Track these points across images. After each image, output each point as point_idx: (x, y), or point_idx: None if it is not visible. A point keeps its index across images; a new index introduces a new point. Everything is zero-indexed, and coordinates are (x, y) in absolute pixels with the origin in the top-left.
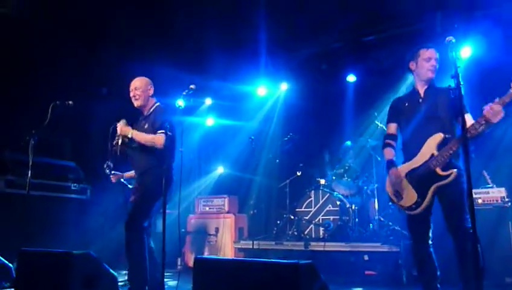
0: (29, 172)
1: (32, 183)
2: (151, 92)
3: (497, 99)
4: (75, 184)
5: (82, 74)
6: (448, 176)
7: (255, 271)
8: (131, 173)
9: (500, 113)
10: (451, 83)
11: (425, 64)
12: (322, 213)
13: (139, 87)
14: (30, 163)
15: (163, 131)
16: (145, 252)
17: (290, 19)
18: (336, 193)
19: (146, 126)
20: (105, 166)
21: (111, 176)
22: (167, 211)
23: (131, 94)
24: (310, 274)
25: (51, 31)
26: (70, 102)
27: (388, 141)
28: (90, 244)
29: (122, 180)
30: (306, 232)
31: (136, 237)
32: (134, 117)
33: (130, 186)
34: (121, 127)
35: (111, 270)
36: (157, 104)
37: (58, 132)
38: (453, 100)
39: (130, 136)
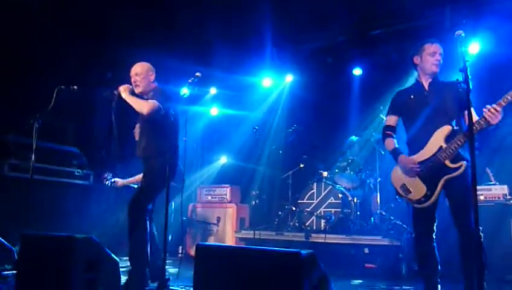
0: (33, 156)
1: (35, 167)
2: (153, 77)
3: (501, 101)
4: (78, 170)
5: (87, 60)
6: (458, 168)
7: (257, 259)
8: (134, 178)
9: (498, 115)
10: (459, 77)
11: (430, 58)
12: (324, 205)
13: (140, 73)
14: (34, 147)
15: (154, 101)
16: (147, 236)
17: (296, 11)
18: (338, 185)
19: None
20: (103, 178)
21: (114, 183)
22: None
23: (132, 80)
24: (311, 264)
25: (57, 16)
26: (75, 87)
27: (388, 131)
28: (93, 229)
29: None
30: (307, 224)
31: (138, 221)
32: None
33: (135, 186)
34: (123, 86)
35: (113, 255)
36: (156, 85)
37: (63, 116)
38: (459, 94)
39: (123, 96)
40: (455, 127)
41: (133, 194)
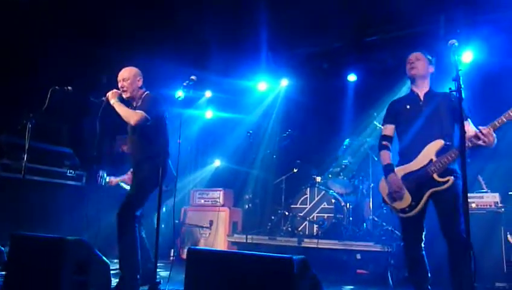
0: (25, 156)
1: (28, 167)
2: (140, 83)
3: (498, 122)
4: (71, 170)
5: (83, 62)
6: (445, 182)
7: (249, 264)
8: (128, 175)
9: (491, 137)
10: (452, 86)
11: (407, 66)
12: (317, 210)
13: (127, 78)
14: (26, 147)
15: (142, 111)
16: (137, 241)
17: (292, 16)
18: (331, 191)
19: None
20: (98, 176)
21: (108, 182)
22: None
23: (120, 85)
24: (303, 270)
25: (52, 18)
26: (70, 88)
27: (385, 142)
28: (84, 231)
29: (120, 183)
30: (300, 229)
31: (127, 226)
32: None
33: (127, 187)
34: (112, 92)
35: (104, 258)
36: (147, 92)
37: (56, 117)
38: (453, 104)
39: (112, 102)
40: (447, 143)
41: (123, 199)
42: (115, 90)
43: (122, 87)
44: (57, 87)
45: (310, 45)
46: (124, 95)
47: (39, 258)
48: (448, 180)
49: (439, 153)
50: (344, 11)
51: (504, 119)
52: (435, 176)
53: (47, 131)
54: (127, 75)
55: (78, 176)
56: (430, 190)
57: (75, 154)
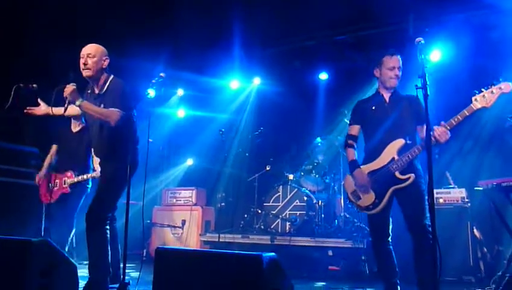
0: None
1: None
2: (106, 63)
3: (442, 122)
4: (36, 171)
5: (49, 58)
6: (406, 179)
7: (218, 262)
8: (94, 174)
9: (446, 135)
10: (418, 83)
11: (388, 72)
12: (289, 208)
13: (93, 56)
14: None
15: (118, 110)
16: (107, 244)
17: (265, 14)
18: (303, 188)
19: (102, 106)
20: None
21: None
22: (132, 202)
23: (82, 61)
24: (273, 267)
25: (15, 15)
26: (35, 85)
27: (350, 141)
28: (52, 232)
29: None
30: (273, 227)
31: (97, 230)
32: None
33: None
34: (70, 91)
35: (70, 259)
36: (112, 77)
37: (21, 116)
38: (416, 106)
39: (78, 103)
40: (408, 141)
41: (91, 203)
42: (71, 87)
43: (86, 64)
44: (21, 84)
45: (282, 43)
46: (85, 73)
47: (3, 261)
48: (409, 178)
49: (401, 151)
50: (315, 10)
51: (460, 117)
52: (397, 173)
53: (11, 130)
54: (94, 51)
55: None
56: (392, 187)
57: (42, 153)
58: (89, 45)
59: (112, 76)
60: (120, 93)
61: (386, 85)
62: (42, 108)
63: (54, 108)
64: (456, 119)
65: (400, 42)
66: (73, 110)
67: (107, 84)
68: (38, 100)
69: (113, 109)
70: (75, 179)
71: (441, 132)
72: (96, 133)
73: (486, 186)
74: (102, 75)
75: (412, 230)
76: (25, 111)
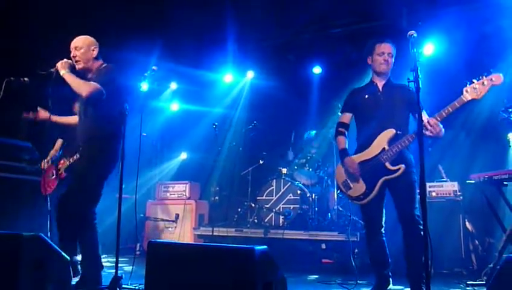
0: None
1: None
2: (95, 53)
3: (437, 116)
4: (30, 165)
5: (41, 51)
6: (396, 170)
7: (210, 256)
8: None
9: (437, 127)
10: (410, 76)
11: (378, 58)
12: (283, 202)
13: (80, 47)
14: None
15: (95, 83)
16: (97, 237)
17: (258, 8)
18: (297, 182)
19: None
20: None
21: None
22: (125, 196)
23: (72, 54)
24: (266, 260)
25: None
26: (26, 79)
27: (341, 129)
28: (45, 228)
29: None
30: (266, 220)
31: (86, 223)
32: None
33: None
34: (62, 62)
35: (63, 253)
36: (105, 64)
37: (14, 110)
38: (409, 95)
39: (62, 72)
40: (398, 132)
41: (71, 194)
42: (65, 60)
43: (75, 57)
44: (12, 78)
45: (276, 36)
46: (77, 66)
47: None
48: (399, 168)
49: (391, 142)
50: (309, 2)
51: (450, 109)
52: (387, 164)
53: (3, 124)
54: (81, 43)
55: (37, 171)
56: (383, 178)
57: (34, 148)
58: (76, 38)
59: (105, 64)
60: (104, 72)
61: (377, 70)
62: (41, 114)
63: (52, 116)
64: (446, 111)
65: (394, 36)
66: (67, 119)
67: (100, 69)
68: (38, 108)
69: (92, 82)
70: (67, 163)
71: (433, 124)
72: (80, 114)
73: (478, 179)
74: (93, 64)
75: (401, 220)
76: (25, 116)
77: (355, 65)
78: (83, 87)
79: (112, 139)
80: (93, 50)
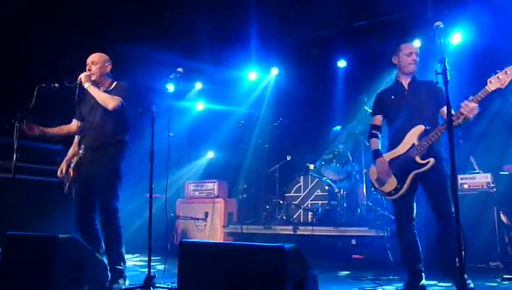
0: (15, 156)
1: (18, 167)
2: (108, 69)
3: (471, 97)
4: None
5: (71, 58)
6: (426, 164)
7: (240, 255)
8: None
9: (475, 110)
10: (438, 68)
11: (406, 58)
12: (311, 198)
13: (97, 63)
14: (15, 146)
15: (119, 98)
16: (121, 232)
17: (281, 4)
18: (324, 178)
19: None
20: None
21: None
22: (156, 195)
23: (87, 68)
24: (296, 258)
25: (38, 14)
26: (57, 84)
27: (374, 131)
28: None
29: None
30: (295, 217)
31: (112, 220)
32: None
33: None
34: (85, 75)
35: (97, 255)
36: (117, 82)
37: (46, 115)
38: (436, 90)
39: (86, 86)
40: (427, 127)
41: (100, 200)
42: (86, 73)
43: (90, 70)
44: (43, 84)
45: (299, 32)
46: (91, 78)
47: (32, 257)
48: (428, 162)
49: (421, 137)
50: None
51: (482, 95)
52: (417, 158)
53: None
54: (97, 59)
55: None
56: (413, 172)
57: (65, 150)
58: (94, 54)
59: (116, 81)
60: (125, 90)
61: (405, 70)
62: (36, 131)
63: (46, 128)
64: (482, 94)
65: (419, 27)
66: (61, 129)
67: (113, 86)
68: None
69: (115, 96)
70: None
71: (470, 107)
72: (96, 120)
73: None
74: (106, 79)
75: (435, 214)
76: (23, 130)
77: (380, 58)
78: (108, 100)
79: (124, 145)
80: (107, 66)
